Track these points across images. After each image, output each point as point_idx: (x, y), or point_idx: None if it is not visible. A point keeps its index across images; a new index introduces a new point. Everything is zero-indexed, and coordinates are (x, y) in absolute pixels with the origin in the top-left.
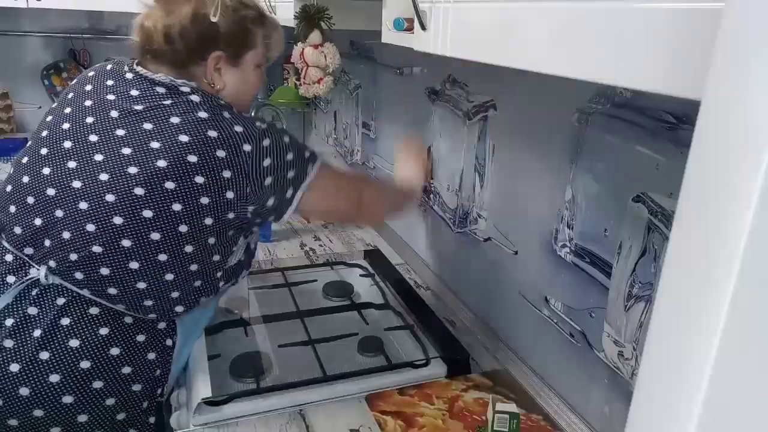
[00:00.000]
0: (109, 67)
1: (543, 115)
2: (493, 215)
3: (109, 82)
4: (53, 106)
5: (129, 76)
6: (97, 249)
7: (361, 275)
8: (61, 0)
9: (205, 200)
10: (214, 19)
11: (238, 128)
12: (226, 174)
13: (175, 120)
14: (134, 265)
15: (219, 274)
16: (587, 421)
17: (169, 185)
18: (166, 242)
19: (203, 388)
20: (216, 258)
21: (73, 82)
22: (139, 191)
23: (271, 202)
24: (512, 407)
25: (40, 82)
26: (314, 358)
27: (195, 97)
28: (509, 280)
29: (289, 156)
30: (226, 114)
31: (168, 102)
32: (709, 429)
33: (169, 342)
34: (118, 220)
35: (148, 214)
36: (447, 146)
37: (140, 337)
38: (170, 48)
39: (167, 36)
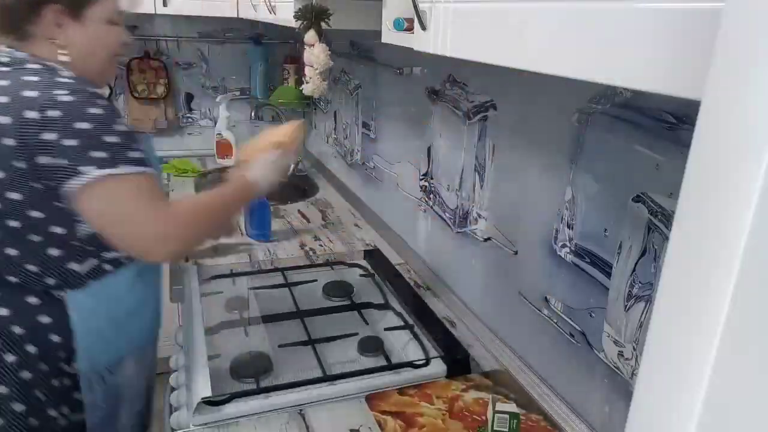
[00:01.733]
0: None
1: (543, 115)
2: (493, 215)
3: None
4: None
5: None
6: None
7: (361, 275)
8: None
9: (0, 174)
10: None
11: (30, 93)
12: (9, 142)
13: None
14: None
15: (77, 245)
16: (587, 421)
17: None
18: None
19: (203, 388)
20: (59, 230)
21: None
22: None
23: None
24: (512, 407)
25: None
26: (314, 358)
27: (20, 55)
28: (509, 280)
29: (73, 141)
30: (28, 77)
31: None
32: (709, 429)
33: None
34: None
35: None
36: (447, 146)
37: (31, 299)
38: (3, 5)
39: None
